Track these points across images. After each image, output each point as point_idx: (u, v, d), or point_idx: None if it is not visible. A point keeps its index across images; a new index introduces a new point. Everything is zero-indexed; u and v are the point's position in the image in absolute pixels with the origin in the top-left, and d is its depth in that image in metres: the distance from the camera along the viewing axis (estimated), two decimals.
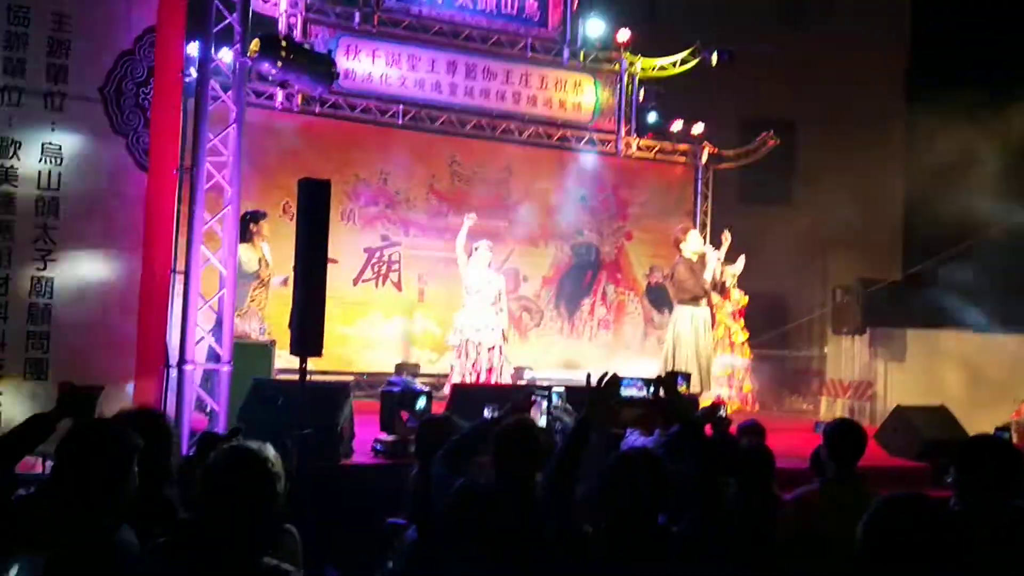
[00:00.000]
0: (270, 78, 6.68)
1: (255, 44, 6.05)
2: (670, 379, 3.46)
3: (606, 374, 3.41)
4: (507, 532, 3.59)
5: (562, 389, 5.38)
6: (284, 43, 6.28)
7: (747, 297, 10.93)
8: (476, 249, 8.95)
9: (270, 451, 2.68)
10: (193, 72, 6.39)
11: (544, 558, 3.27)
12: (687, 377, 6.17)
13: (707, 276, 9.44)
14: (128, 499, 2.75)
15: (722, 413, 5.61)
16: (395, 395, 6.57)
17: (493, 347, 8.90)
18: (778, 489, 4.58)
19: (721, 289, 10.48)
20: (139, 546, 2.71)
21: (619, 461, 3.25)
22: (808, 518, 4.01)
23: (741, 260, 10.56)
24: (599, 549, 3.10)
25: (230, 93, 6.16)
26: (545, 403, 5.09)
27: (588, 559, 3.11)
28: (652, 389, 3.35)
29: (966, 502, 3.19)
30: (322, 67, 6.62)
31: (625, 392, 3.37)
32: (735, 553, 3.76)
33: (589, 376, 3.45)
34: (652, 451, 3.46)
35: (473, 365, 8.82)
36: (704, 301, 9.48)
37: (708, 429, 4.49)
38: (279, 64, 6.13)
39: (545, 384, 5.99)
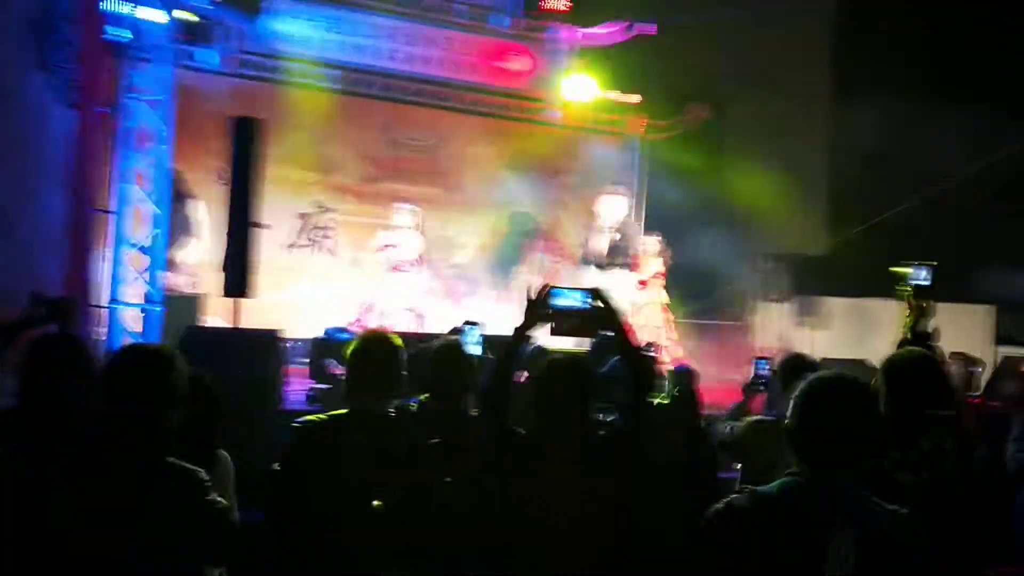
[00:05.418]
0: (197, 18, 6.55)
1: None
2: (603, 290, 3.52)
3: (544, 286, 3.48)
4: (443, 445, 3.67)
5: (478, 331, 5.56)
6: None
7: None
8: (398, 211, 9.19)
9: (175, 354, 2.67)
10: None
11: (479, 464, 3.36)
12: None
13: (599, 244, 9.71)
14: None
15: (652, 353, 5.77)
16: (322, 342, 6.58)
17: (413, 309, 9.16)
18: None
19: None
20: None
21: (549, 364, 3.36)
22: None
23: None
24: (528, 447, 3.19)
25: (161, 33, 6.07)
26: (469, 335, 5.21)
27: (517, 457, 3.19)
28: (588, 298, 3.41)
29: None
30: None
31: (562, 302, 3.43)
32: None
33: (529, 289, 3.51)
34: (579, 356, 3.56)
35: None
36: (617, 267, 9.73)
37: None
38: None
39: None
